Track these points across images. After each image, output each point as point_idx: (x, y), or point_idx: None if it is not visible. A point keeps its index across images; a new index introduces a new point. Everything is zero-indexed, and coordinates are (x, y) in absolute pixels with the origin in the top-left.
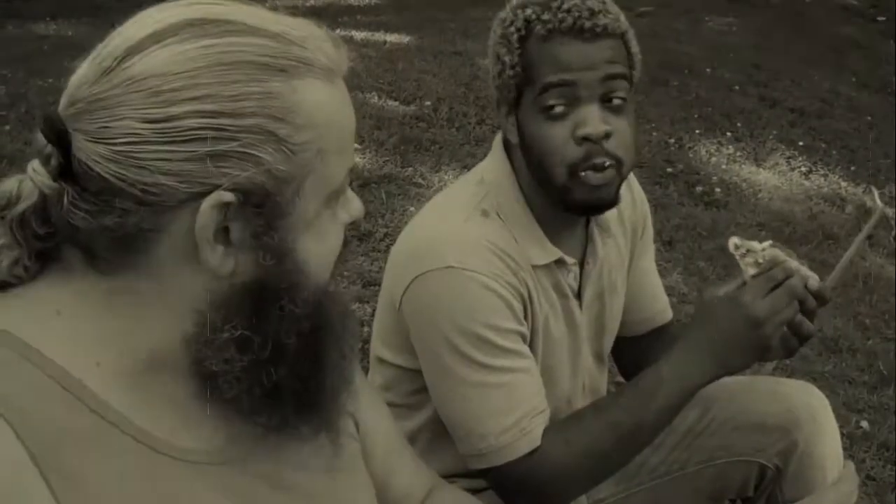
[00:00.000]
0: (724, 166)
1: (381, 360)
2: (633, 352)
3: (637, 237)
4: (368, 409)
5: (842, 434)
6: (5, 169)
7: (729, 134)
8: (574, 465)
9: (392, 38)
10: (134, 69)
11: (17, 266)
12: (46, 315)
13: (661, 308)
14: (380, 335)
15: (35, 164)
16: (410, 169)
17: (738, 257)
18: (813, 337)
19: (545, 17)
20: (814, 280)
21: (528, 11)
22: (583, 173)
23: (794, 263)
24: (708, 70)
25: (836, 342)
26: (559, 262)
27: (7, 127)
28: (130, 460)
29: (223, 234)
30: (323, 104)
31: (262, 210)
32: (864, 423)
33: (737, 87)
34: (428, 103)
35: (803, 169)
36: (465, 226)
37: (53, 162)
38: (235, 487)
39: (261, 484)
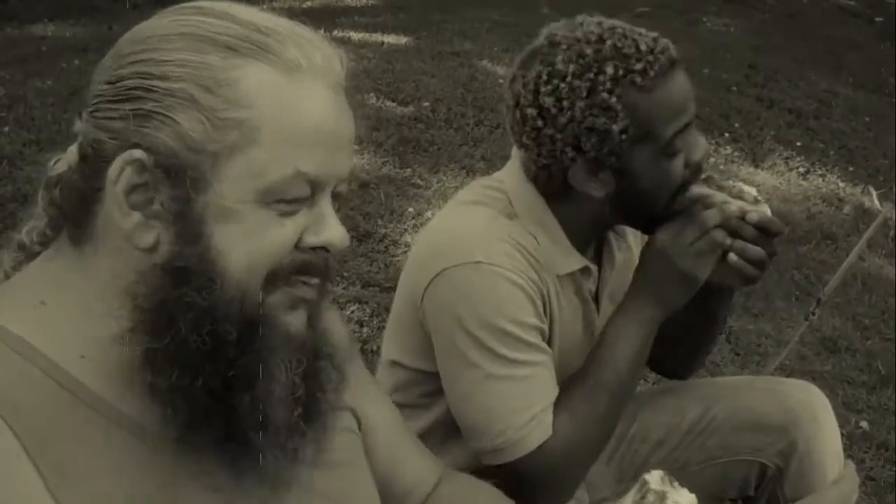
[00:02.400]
0: (721, 166)
1: (396, 364)
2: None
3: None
4: (371, 404)
5: (841, 434)
6: (5, 170)
7: (727, 134)
8: (582, 436)
9: (390, 39)
10: (121, 39)
11: (41, 240)
12: (31, 306)
13: None
14: (395, 338)
15: (73, 146)
16: (409, 170)
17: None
18: (767, 262)
19: (638, 66)
20: (755, 213)
21: (610, 69)
22: (684, 191)
23: (719, 196)
24: (705, 70)
25: (835, 342)
26: (584, 270)
27: (6, 128)
28: (121, 450)
29: (147, 205)
30: (266, 90)
31: (174, 179)
32: (864, 424)
33: (734, 88)
34: (426, 104)
35: (801, 169)
36: (491, 223)
37: (80, 138)
38: (225, 482)
39: (251, 479)
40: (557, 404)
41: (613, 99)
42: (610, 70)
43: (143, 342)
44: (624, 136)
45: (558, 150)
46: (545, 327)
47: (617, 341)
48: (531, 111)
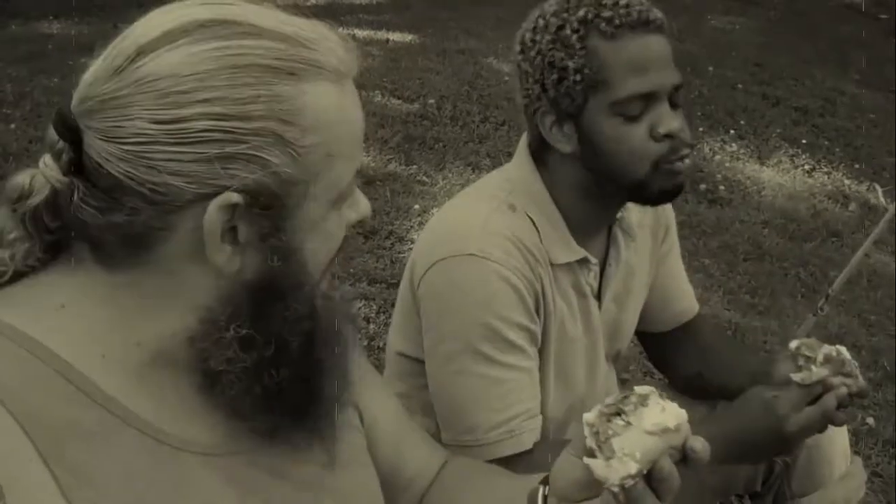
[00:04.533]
0: (727, 164)
1: (400, 354)
2: (662, 346)
3: (658, 241)
4: (374, 398)
5: (847, 430)
6: (11, 166)
7: (732, 132)
8: None
9: (395, 36)
10: (145, 69)
11: (29, 257)
12: (51, 309)
13: (687, 305)
14: (399, 329)
15: (46, 159)
16: (414, 167)
17: (797, 359)
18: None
19: (606, 14)
20: (855, 387)
21: (582, 12)
22: (667, 165)
23: (837, 380)
24: (710, 68)
25: (840, 339)
26: (581, 262)
27: (12, 125)
28: (135, 452)
29: (231, 233)
30: (331, 107)
31: (269, 212)
32: (870, 420)
33: (740, 86)
34: (431, 101)
35: (807, 167)
36: (491, 216)
37: (65, 157)
38: (238, 477)
39: (264, 475)
40: None
41: (575, 37)
42: (581, 12)
43: (241, 356)
44: (578, 77)
45: (530, 87)
46: (536, 328)
47: None
48: (517, 48)
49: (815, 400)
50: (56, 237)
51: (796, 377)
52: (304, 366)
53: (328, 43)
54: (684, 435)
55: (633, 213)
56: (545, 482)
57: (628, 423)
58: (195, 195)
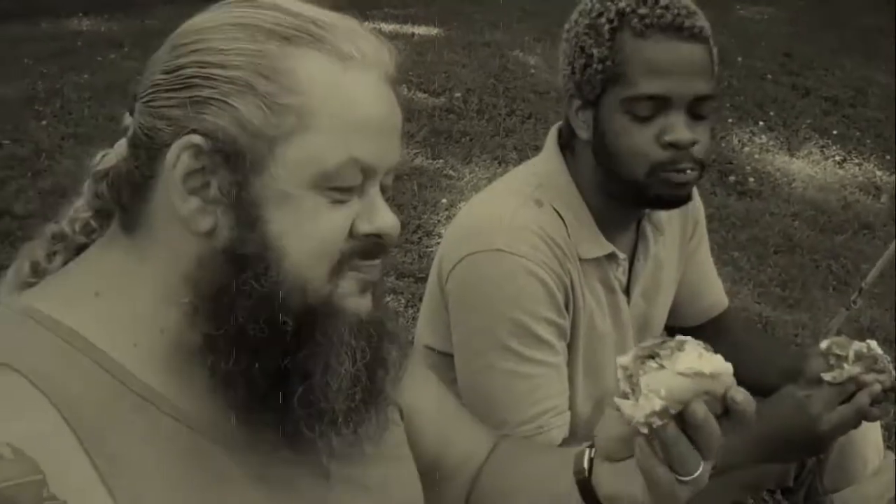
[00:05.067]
0: (757, 155)
1: (427, 348)
2: None
3: (687, 236)
4: (414, 388)
5: (880, 426)
6: (44, 163)
7: (762, 123)
8: None
9: (420, 30)
10: (174, 33)
11: (86, 229)
12: (86, 298)
13: (716, 300)
14: (426, 323)
15: (121, 139)
16: (441, 161)
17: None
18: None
19: (641, 10)
20: (889, 381)
21: (623, 3)
22: (664, 174)
23: (870, 377)
24: (739, 59)
25: (871, 333)
26: (610, 257)
27: (44, 122)
28: (171, 440)
29: (204, 189)
30: (321, 77)
31: (232, 164)
32: None
33: (769, 76)
34: (458, 95)
35: (837, 158)
36: (518, 211)
37: (129, 131)
38: (267, 470)
39: (298, 469)
40: None
41: (607, 27)
42: (622, 4)
43: (203, 328)
44: (600, 66)
45: (564, 68)
46: (565, 323)
47: None
48: (565, 26)
49: (849, 398)
50: (103, 204)
51: (827, 376)
52: (279, 363)
53: (349, 32)
54: (724, 385)
55: None
56: (591, 445)
57: (661, 366)
58: (170, 137)
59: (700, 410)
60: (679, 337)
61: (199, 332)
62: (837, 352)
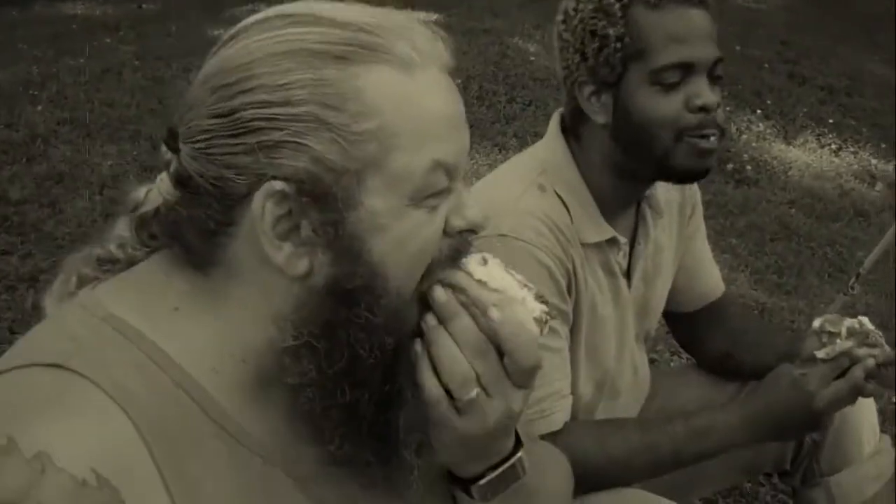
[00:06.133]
0: (754, 143)
1: None
2: (689, 327)
3: (685, 220)
4: None
5: (875, 408)
6: (39, 148)
7: (759, 111)
8: (601, 464)
9: (420, 16)
10: (206, 69)
11: (134, 250)
12: (165, 312)
13: (713, 285)
14: None
15: (163, 175)
16: None
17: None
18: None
19: None
20: (881, 355)
21: None
22: (691, 139)
23: (862, 351)
24: (737, 48)
25: (868, 318)
26: (611, 241)
27: (39, 107)
28: (245, 470)
29: (294, 232)
30: (390, 93)
31: (321, 204)
32: None
33: (766, 65)
34: (458, 82)
35: (833, 146)
36: (521, 197)
37: (172, 169)
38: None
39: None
40: (598, 425)
41: (617, 6)
42: None
43: (313, 366)
44: (618, 45)
45: (570, 56)
46: (568, 308)
47: (705, 435)
48: (559, 17)
49: (843, 374)
50: (158, 243)
51: (821, 353)
52: (381, 387)
53: (401, 31)
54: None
55: (661, 190)
56: None
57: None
58: (247, 187)
59: (442, 297)
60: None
61: (305, 371)
62: (830, 329)
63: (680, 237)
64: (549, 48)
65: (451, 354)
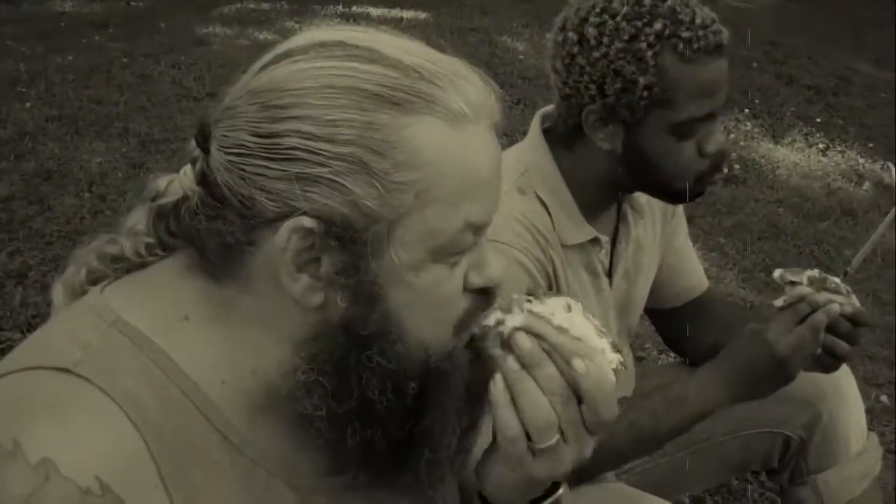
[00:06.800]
0: (742, 143)
1: None
2: (674, 322)
3: (667, 219)
4: None
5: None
6: (28, 146)
7: (747, 111)
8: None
9: (408, 14)
10: (258, 82)
11: (149, 253)
12: (175, 319)
13: (696, 281)
14: None
15: (186, 168)
16: None
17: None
18: (852, 356)
19: (685, 34)
20: (849, 306)
21: (658, 25)
22: (710, 178)
23: (822, 296)
24: None
25: None
26: (593, 241)
27: (28, 104)
28: (249, 482)
29: (313, 264)
30: (437, 147)
31: (347, 246)
32: (884, 398)
33: (754, 65)
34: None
35: (821, 145)
36: (502, 200)
37: (198, 167)
38: None
39: None
40: None
41: (650, 53)
42: (658, 26)
43: (323, 401)
44: (646, 94)
45: (583, 83)
46: None
47: (681, 405)
48: (572, 35)
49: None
50: (174, 240)
51: (778, 301)
52: (396, 429)
53: (459, 81)
54: (581, 352)
55: None
56: None
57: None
58: (275, 214)
59: (526, 343)
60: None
61: (316, 405)
62: (791, 279)
63: (662, 234)
64: (538, 48)
65: (536, 400)
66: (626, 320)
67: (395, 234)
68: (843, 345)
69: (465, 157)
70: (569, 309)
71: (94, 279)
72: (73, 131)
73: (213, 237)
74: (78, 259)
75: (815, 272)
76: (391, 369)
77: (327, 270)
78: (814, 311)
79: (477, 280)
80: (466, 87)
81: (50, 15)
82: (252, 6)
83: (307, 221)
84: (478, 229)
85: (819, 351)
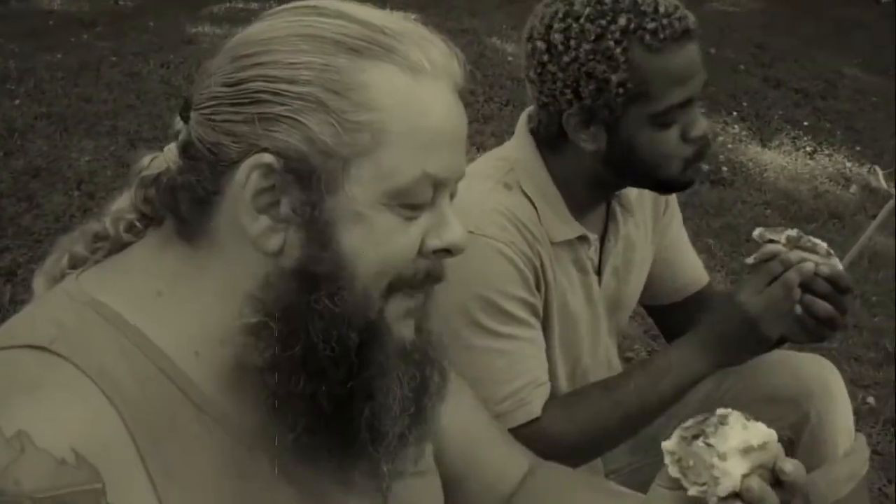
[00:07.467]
0: (730, 146)
1: None
2: (675, 319)
3: (659, 215)
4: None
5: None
6: (17, 143)
7: (734, 114)
8: (576, 438)
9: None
10: (231, 41)
11: (130, 230)
12: (149, 296)
13: (695, 276)
14: None
15: (171, 144)
16: None
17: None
18: (837, 320)
19: (650, 25)
20: (826, 266)
21: (623, 21)
22: (696, 165)
23: (795, 254)
24: (712, 50)
25: None
26: (581, 239)
27: (17, 101)
28: (225, 454)
29: (273, 207)
30: (394, 92)
31: (304, 183)
32: (871, 399)
33: (742, 67)
34: None
35: (808, 149)
36: (487, 195)
37: (180, 139)
38: (321, 489)
39: (344, 488)
40: (563, 400)
41: (618, 50)
42: (622, 21)
43: (270, 349)
44: (620, 90)
45: (558, 89)
46: (537, 302)
47: (663, 377)
48: (540, 44)
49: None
50: (153, 210)
51: (749, 259)
52: (339, 385)
53: (420, 41)
54: (772, 454)
55: (633, 188)
56: None
57: (709, 445)
58: (238, 154)
59: (756, 485)
60: (719, 410)
61: (263, 353)
62: (770, 236)
63: (654, 231)
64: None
65: None
66: (616, 318)
67: (351, 172)
68: (822, 304)
69: (423, 106)
70: (745, 426)
71: (74, 265)
72: (61, 129)
73: (186, 193)
74: (59, 246)
75: (794, 231)
76: (337, 314)
77: (286, 212)
78: (787, 269)
79: (435, 242)
80: (428, 47)
81: (38, 13)
82: (241, 5)
83: (266, 157)
84: (438, 185)
85: (799, 311)
